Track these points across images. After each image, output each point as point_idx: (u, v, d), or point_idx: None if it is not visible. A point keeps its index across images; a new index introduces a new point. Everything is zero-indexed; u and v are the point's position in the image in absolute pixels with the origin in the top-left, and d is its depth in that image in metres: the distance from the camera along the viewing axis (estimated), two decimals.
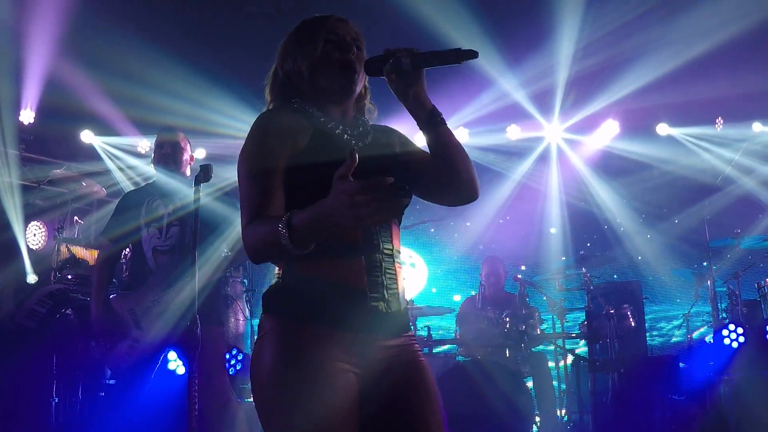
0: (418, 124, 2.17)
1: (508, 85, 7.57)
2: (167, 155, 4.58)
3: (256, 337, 2.10)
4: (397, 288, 2.08)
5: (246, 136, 2.08)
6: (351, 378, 1.97)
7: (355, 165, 1.67)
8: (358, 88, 2.20)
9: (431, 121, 2.14)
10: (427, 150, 2.22)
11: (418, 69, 2.08)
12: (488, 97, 7.97)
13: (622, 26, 6.83)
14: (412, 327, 2.21)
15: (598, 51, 7.09)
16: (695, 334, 7.19)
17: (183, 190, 4.46)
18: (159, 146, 4.64)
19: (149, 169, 6.14)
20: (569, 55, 7.28)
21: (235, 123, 7.96)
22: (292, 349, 1.95)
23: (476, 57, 2.00)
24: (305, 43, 2.17)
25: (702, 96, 7.56)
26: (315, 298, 1.98)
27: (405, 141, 2.31)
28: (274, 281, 2.08)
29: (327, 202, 1.69)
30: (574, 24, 6.83)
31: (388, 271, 2.06)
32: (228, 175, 8.15)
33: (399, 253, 2.13)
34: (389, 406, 2.03)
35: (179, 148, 4.60)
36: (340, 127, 2.14)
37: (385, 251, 2.07)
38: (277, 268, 2.08)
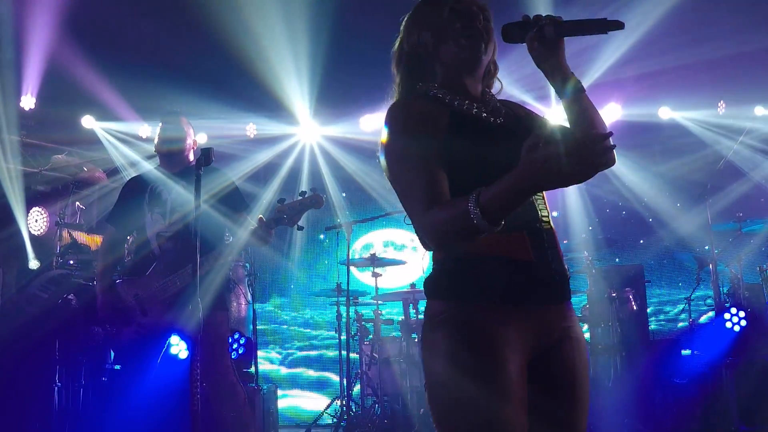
0: (556, 91, 2.11)
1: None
2: (170, 141, 4.58)
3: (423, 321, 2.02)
4: (559, 254, 2.06)
5: (384, 131, 2.01)
6: (523, 359, 1.93)
7: (544, 133, 1.61)
8: (486, 60, 2.13)
9: (573, 89, 2.08)
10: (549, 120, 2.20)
11: (561, 38, 2.03)
12: None
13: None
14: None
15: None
16: (703, 318, 7.19)
17: (185, 176, 4.46)
18: (162, 131, 4.63)
19: (151, 155, 6.12)
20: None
21: (234, 109, 7.95)
22: (469, 335, 1.91)
23: (622, 28, 1.93)
24: (430, 13, 2.12)
25: (704, 79, 7.51)
26: (483, 277, 1.94)
27: (531, 113, 2.27)
28: (435, 266, 2.03)
29: (522, 174, 1.61)
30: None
31: (549, 238, 2.04)
32: (230, 158, 8.18)
33: (552, 218, 2.10)
34: (553, 370, 2.00)
35: (182, 134, 4.59)
36: (475, 105, 2.09)
37: (543, 219, 2.04)
38: (435, 254, 2.02)
